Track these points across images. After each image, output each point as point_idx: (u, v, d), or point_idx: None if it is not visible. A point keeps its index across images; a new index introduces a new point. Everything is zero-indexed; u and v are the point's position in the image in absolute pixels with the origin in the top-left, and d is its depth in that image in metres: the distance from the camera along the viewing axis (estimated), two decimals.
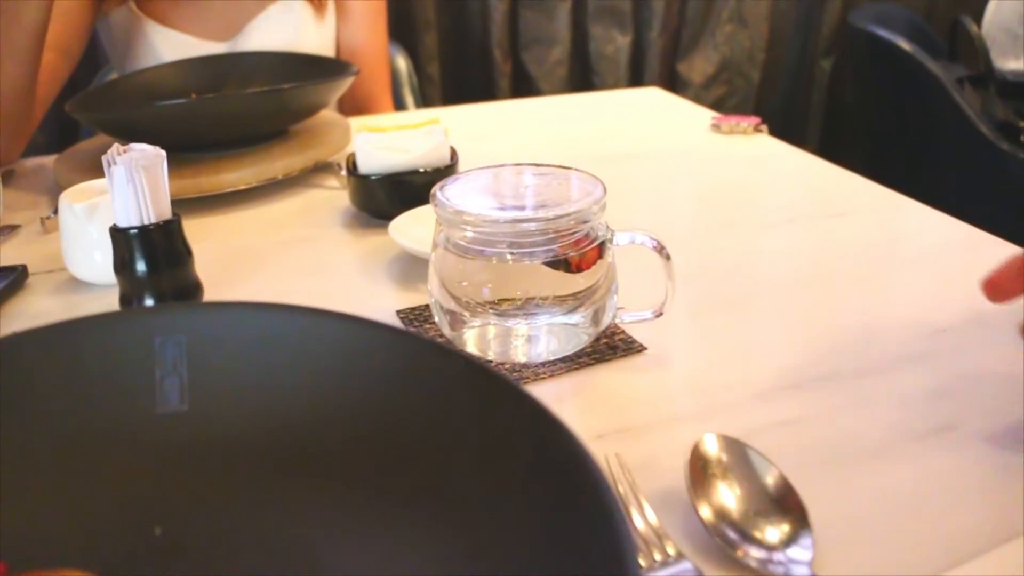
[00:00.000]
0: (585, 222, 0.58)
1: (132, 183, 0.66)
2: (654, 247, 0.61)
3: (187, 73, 1.17)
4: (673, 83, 2.39)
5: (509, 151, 1.14)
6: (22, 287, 0.81)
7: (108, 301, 0.75)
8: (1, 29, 1.04)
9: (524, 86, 2.25)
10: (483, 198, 0.62)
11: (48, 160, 1.19)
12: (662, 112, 1.34)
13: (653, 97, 1.43)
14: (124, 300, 0.70)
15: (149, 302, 0.69)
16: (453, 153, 0.89)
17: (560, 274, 0.59)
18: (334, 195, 0.98)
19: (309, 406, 0.40)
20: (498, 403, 0.36)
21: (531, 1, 2.19)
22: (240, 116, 0.99)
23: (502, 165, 0.65)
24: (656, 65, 2.32)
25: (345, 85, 1.03)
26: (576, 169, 0.64)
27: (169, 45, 1.27)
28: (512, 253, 0.58)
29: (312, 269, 0.81)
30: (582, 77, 2.31)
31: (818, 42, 2.46)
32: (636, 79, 2.34)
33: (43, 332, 0.42)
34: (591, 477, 0.31)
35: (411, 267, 0.78)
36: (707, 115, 1.27)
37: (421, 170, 0.86)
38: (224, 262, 0.81)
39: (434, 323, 0.67)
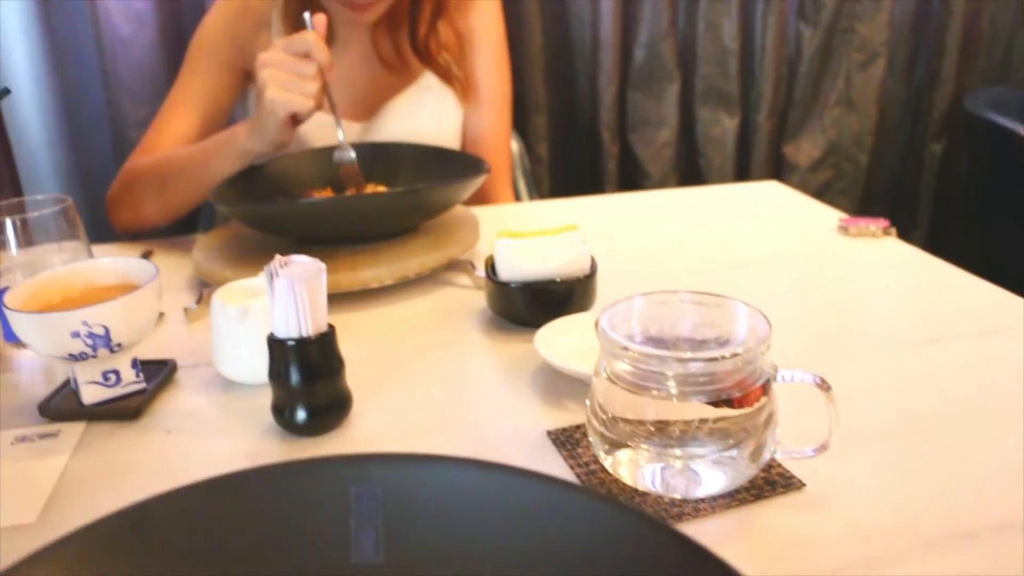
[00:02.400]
0: (751, 362, 0.58)
1: (293, 296, 0.68)
2: (816, 383, 0.60)
3: (322, 162, 1.20)
4: (779, 166, 2.37)
5: (632, 252, 1.13)
6: (171, 381, 0.84)
7: (257, 403, 0.76)
8: (199, 173, 1.16)
9: (631, 168, 2.26)
10: (644, 327, 0.62)
11: (184, 241, 1.23)
12: (784, 210, 1.33)
13: (772, 193, 1.42)
14: (276, 409, 0.72)
15: (302, 413, 0.70)
16: (592, 262, 0.90)
17: (722, 410, 0.58)
18: (468, 295, 0.99)
19: (508, 567, 0.40)
20: None
21: (640, 84, 2.21)
22: (377, 214, 1.01)
23: (661, 292, 0.65)
24: (763, 148, 2.31)
25: (478, 183, 1.05)
26: (737, 300, 0.63)
27: (308, 122, 1.32)
28: (676, 390, 0.58)
29: (454, 378, 0.82)
30: (688, 159, 2.31)
31: (928, 125, 2.42)
32: (742, 162, 2.33)
33: (238, 478, 0.43)
34: None
35: (556, 381, 0.78)
36: (831, 214, 1.25)
37: (559, 279, 0.87)
38: (366, 366, 0.83)
39: (586, 446, 0.67)
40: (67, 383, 0.82)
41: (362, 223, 1.02)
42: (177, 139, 1.29)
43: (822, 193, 2.39)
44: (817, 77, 2.31)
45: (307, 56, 1.05)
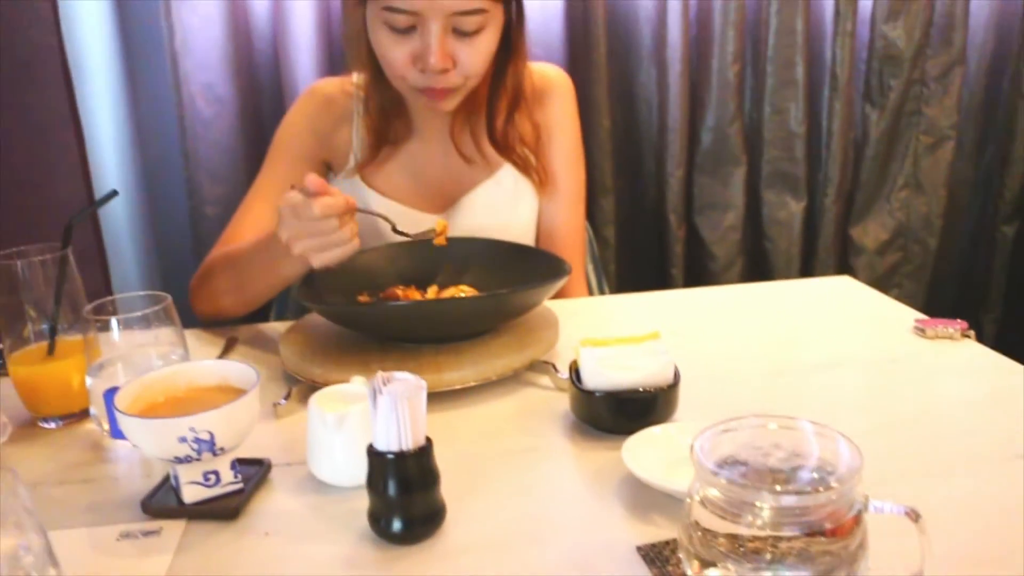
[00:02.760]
0: (844, 495, 0.59)
1: (395, 413, 0.71)
2: (906, 514, 0.61)
3: (401, 257, 1.24)
4: (845, 248, 2.37)
5: (707, 353, 1.14)
6: (266, 481, 0.86)
7: (351, 506, 0.79)
8: (265, 266, 1.19)
9: (697, 250, 2.27)
10: (736, 452, 0.63)
11: (266, 329, 1.27)
12: (858, 307, 1.32)
13: (845, 288, 1.42)
14: (373, 517, 0.74)
15: (398, 523, 0.73)
16: (675, 372, 0.91)
17: (815, 539, 0.59)
18: (550, 396, 1.01)
19: None
20: None
21: (706, 167, 2.24)
22: (461, 318, 1.04)
23: (753, 416, 0.67)
24: (830, 231, 2.31)
25: (560, 285, 1.07)
26: (829, 428, 0.65)
27: (386, 213, 1.35)
28: (769, 521, 0.59)
29: (542, 486, 0.84)
30: (754, 242, 2.32)
31: (999, 207, 2.40)
32: (809, 244, 2.33)
33: None
34: None
35: (644, 493, 0.79)
36: (906, 314, 1.25)
37: (643, 389, 0.88)
38: (452, 472, 0.83)
39: (676, 563, 0.68)
40: (167, 479, 0.85)
41: (446, 326, 1.05)
42: (258, 231, 1.32)
43: (890, 276, 2.38)
44: (884, 160, 2.33)
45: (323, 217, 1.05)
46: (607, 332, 0.96)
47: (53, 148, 1.67)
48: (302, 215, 1.05)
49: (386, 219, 1.17)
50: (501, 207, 1.41)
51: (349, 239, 1.08)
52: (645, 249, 2.28)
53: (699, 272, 2.31)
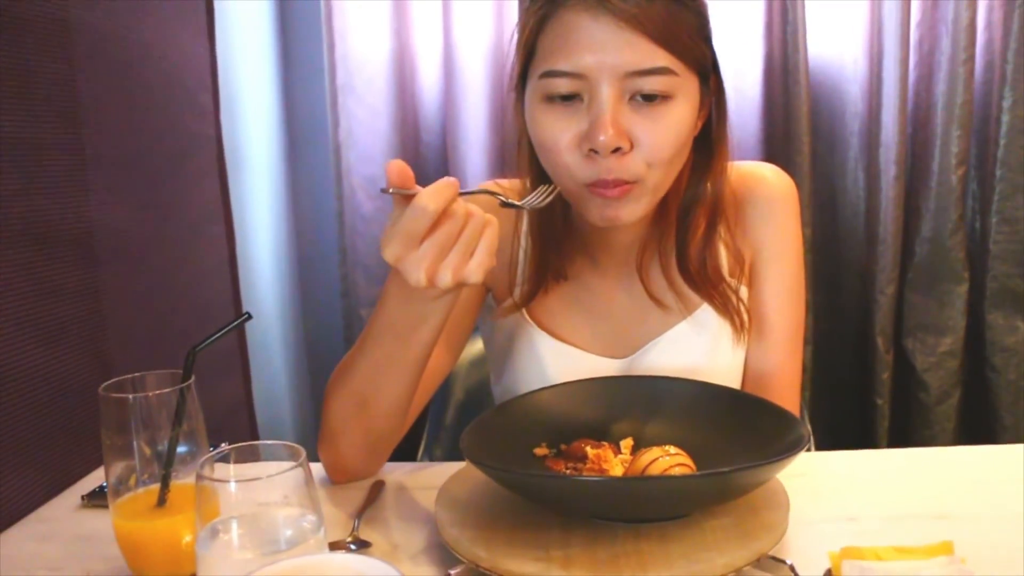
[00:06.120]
0: None
1: None
2: None
3: (583, 397, 1.02)
4: None
5: (999, 555, 0.86)
6: None
7: None
8: (392, 350, 0.96)
9: (905, 378, 1.98)
10: None
11: (418, 473, 1.07)
12: None
13: None
14: None
15: None
16: None
17: None
18: None
19: None
20: None
21: (920, 284, 1.96)
22: (672, 498, 0.80)
23: None
24: None
25: (797, 456, 0.82)
26: None
27: (557, 357, 1.11)
28: None
29: None
30: (974, 371, 2.01)
31: None
32: None
33: None
34: None
35: None
36: None
37: None
38: None
39: None
40: None
41: (653, 506, 0.81)
42: None
43: None
44: None
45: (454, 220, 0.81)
46: (849, 503, 0.72)
47: (203, 243, 1.56)
48: (408, 221, 0.81)
49: (488, 193, 0.92)
50: (698, 354, 1.12)
51: (477, 239, 0.83)
52: (846, 375, 2.01)
53: (908, 403, 2.01)
